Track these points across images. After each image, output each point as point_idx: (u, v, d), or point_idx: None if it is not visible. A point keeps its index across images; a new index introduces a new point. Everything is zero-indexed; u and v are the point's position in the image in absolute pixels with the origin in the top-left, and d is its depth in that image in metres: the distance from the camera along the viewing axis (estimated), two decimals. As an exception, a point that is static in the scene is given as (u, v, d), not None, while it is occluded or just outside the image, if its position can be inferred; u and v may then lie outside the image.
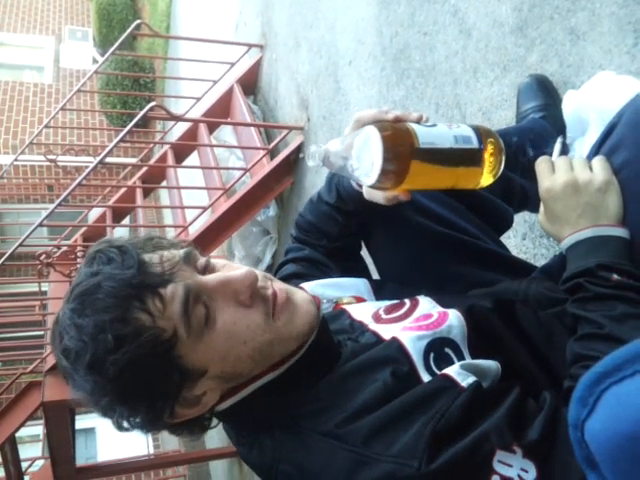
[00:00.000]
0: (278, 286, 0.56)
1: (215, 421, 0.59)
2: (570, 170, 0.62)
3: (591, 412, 0.34)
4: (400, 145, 0.60)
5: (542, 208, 0.66)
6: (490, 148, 0.64)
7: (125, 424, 0.52)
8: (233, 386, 0.55)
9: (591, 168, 0.62)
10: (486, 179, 0.66)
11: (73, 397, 0.52)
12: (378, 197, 0.67)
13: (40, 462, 3.04)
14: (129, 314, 0.48)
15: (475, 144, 0.63)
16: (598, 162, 0.62)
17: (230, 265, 0.56)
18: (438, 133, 0.62)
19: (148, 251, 0.53)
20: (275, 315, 0.54)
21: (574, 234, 0.61)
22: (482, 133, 0.65)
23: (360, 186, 0.71)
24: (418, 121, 0.63)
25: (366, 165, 0.60)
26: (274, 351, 0.54)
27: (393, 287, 0.76)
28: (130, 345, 0.47)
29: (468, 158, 0.64)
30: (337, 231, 0.78)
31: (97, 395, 0.50)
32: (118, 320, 0.48)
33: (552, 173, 0.63)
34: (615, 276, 0.56)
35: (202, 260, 0.55)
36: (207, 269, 0.54)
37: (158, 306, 0.49)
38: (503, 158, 0.66)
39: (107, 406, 0.51)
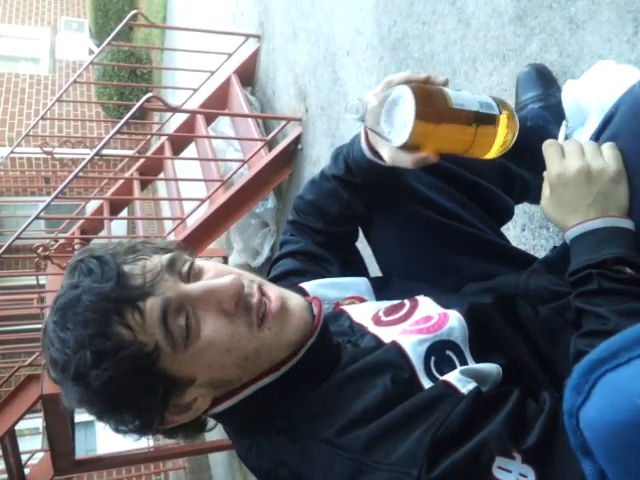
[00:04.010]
0: (273, 293, 0.55)
1: (213, 422, 0.59)
2: (582, 156, 0.60)
3: (586, 400, 0.34)
4: (433, 104, 0.60)
5: (547, 192, 0.62)
6: (506, 117, 0.65)
7: (121, 427, 0.53)
8: (227, 390, 0.55)
9: (602, 155, 0.59)
10: (496, 150, 0.66)
11: (65, 404, 0.53)
12: (405, 161, 0.63)
13: (40, 455, 3.05)
14: (109, 329, 0.48)
15: (496, 111, 0.64)
16: (609, 150, 0.59)
17: (217, 269, 0.55)
18: (466, 97, 0.63)
19: (129, 261, 0.52)
20: (264, 324, 0.53)
21: (582, 224, 0.59)
22: (500, 102, 0.66)
23: (374, 154, 0.68)
24: (445, 84, 0.64)
25: (397, 124, 0.60)
26: (261, 359, 0.53)
27: (395, 286, 0.74)
28: (110, 361, 0.48)
29: (488, 124, 0.64)
30: (338, 211, 0.76)
31: (85, 405, 0.52)
32: (98, 335, 0.48)
33: (562, 157, 0.61)
34: (628, 269, 0.55)
35: (187, 266, 0.54)
36: (192, 275, 0.54)
37: (137, 320, 0.49)
38: (516, 132, 0.66)
39: (96, 415, 0.53)
